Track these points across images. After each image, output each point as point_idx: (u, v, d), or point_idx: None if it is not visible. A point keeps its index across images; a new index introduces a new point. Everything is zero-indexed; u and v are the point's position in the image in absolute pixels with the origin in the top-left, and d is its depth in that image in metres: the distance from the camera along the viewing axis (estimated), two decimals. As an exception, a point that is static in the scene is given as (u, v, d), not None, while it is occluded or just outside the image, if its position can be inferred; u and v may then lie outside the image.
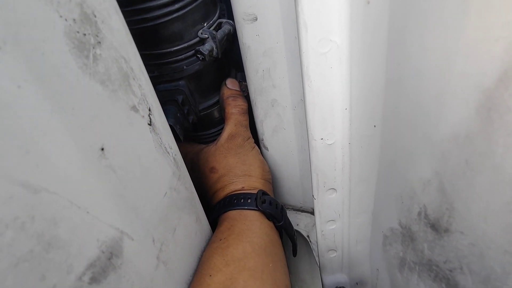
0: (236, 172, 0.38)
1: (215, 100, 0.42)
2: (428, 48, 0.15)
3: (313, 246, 0.45)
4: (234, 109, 0.40)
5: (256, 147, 0.42)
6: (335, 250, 0.38)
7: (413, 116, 0.18)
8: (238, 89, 0.42)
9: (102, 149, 0.18)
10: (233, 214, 0.34)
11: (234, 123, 0.40)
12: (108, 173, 0.18)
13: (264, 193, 0.36)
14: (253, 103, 0.41)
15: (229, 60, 0.43)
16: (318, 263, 0.41)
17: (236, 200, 0.34)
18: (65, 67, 0.15)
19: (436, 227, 0.18)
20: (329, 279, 0.42)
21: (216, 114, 0.42)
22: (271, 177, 0.42)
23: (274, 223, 0.35)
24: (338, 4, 0.21)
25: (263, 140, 0.44)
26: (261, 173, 0.39)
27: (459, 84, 0.14)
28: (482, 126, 0.13)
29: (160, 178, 0.24)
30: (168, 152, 0.26)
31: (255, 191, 0.36)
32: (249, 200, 0.34)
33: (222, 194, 0.37)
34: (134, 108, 0.22)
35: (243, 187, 0.37)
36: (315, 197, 0.33)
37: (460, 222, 0.17)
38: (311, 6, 0.21)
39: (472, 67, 0.13)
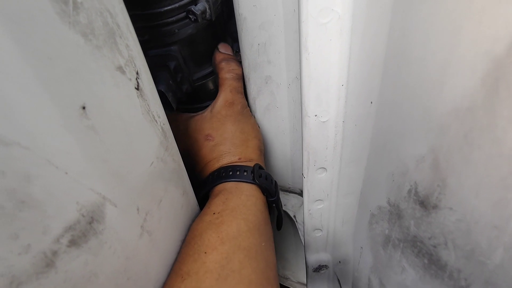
0: (234, 141, 0.36)
1: (210, 69, 0.40)
2: (437, 13, 0.14)
3: (299, 226, 0.46)
4: (227, 74, 0.38)
5: (253, 116, 0.40)
6: (321, 230, 0.38)
7: (413, 90, 0.18)
8: (231, 53, 0.40)
9: (84, 107, 0.17)
10: (229, 186, 0.33)
11: (229, 89, 0.38)
12: (90, 134, 0.17)
13: (260, 167, 0.35)
14: (246, 79, 0.40)
15: (226, 28, 0.41)
16: (303, 242, 0.42)
17: (232, 172, 0.33)
18: (40, 10, 0.14)
19: (425, 204, 0.18)
20: (313, 257, 0.42)
21: (211, 85, 0.40)
22: (263, 148, 0.41)
23: (267, 198, 0.34)
24: (343, -31, 0.20)
25: (255, 118, 0.43)
26: (257, 143, 0.38)
27: (467, 52, 0.13)
28: (486, 98, 0.13)
29: (147, 146, 0.23)
30: (156, 121, 0.25)
31: (251, 163, 0.35)
32: (245, 173, 0.33)
33: (217, 164, 0.35)
34: (120, 69, 0.20)
35: (239, 158, 0.35)
36: (304, 175, 0.33)
37: (450, 198, 0.17)
38: (314, -31, 0.20)
39: (483, 32, 0.12)
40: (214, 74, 0.40)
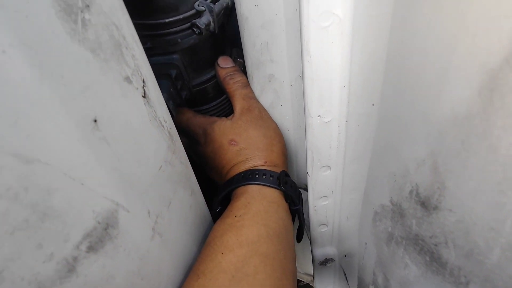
0: (259, 145, 0.36)
1: (209, 76, 0.40)
2: (435, 23, 0.14)
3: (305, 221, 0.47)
4: (234, 86, 0.39)
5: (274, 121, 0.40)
6: (326, 225, 0.39)
7: (413, 95, 0.18)
8: (232, 65, 0.40)
9: (95, 120, 0.18)
10: (252, 189, 0.33)
11: (241, 97, 0.38)
12: (102, 145, 0.18)
13: (286, 174, 0.35)
14: (249, 78, 0.40)
15: (225, 34, 0.41)
16: (309, 237, 0.43)
17: (258, 175, 0.33)
18: (52, 32, 0.14)
19: (426, 204, 0.19)
20: (319, 251, 0.43)
21: (209, 90, 0.41)
22: (287, 152, 0.41)
23: (289, 206, 0.34)
24: (343, -27, 0.20)
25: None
26: (281, 148, 0.38)
27: (464, 63, 0.13)
28: (482, 107, 0.13)
29: (155, 152, 0.24)
30: (163, 126, 0.26)
31: (276, 169, 0.35)
32: (271, 178, 0.33)
33: (243, 167, 0.35)
34: (127, 79, 0.21)
35: (265, 162, 0.35)
36: (309, 174, 0.34)
37: (449, 200, 0.17)
38: (314, -26, 0.20)
39: (478, 45, 0.13)
40: (213, 80, 0.40)
